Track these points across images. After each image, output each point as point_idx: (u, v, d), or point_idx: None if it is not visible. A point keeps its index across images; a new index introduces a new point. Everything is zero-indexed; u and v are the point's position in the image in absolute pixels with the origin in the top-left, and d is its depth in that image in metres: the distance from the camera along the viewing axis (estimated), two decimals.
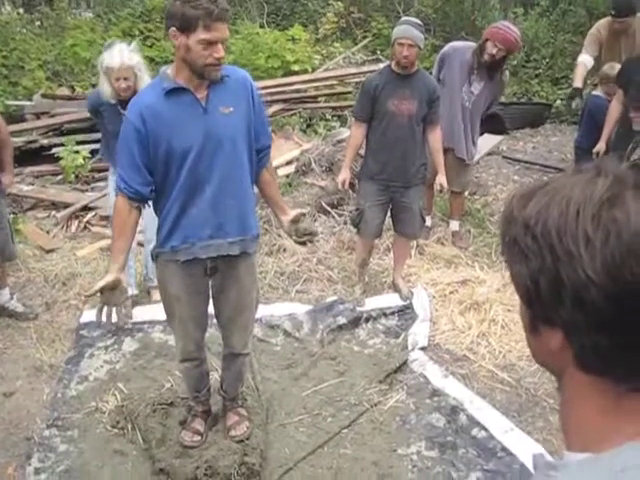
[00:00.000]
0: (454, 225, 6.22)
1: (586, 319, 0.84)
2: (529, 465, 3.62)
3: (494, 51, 5.38)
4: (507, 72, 5.88)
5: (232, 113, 2.98)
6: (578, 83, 6.66)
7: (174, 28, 2.76)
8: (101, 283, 2.98)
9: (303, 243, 3.65)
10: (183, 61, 2.85)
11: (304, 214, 3.46)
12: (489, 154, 8.26)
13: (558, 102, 10.29)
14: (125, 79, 4.52)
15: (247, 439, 3.67)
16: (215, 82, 2.93)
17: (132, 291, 5.05)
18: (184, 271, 3.19)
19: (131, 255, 4.77)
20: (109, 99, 4.63)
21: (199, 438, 3.70)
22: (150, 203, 3.16)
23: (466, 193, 7.01)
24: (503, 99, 10.19)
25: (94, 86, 8.85)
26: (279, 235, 6.11)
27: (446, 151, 5.31)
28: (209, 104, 2.94)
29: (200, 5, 2.67)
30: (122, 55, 4.49)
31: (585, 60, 6.70)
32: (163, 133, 2.91)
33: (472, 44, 5.82)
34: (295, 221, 3.37)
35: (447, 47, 5.88)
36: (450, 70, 5.66)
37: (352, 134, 5.08)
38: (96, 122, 5.23)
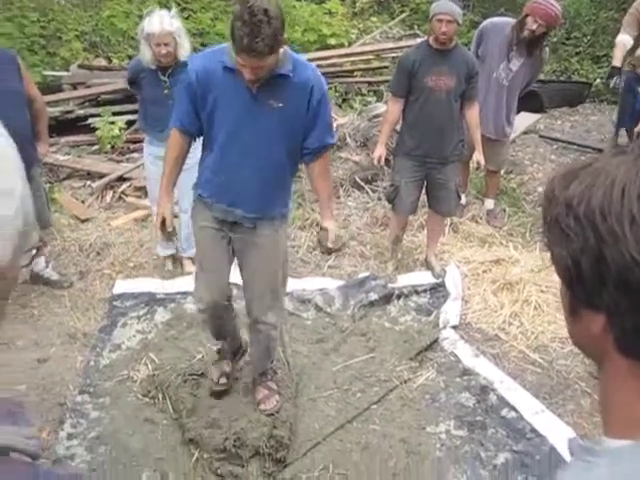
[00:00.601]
0: (489, 204, 6.16)
1: (630, 302, 0.82)
2: (559, 447, 3.60)
3: (534, 27, 5.27)
4: (547, 49, 5.75)
5: (281, 108, 3.05)
6: (617, 62, 6.50)
7: (230, 28, 2.86)
8: (161, 217, 3.32)
9: (326, 253, 3.63)
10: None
11: (336, 236, 3.45)
12: (526, 133, 8.13)
13: (598, 81, 10.10)
14: (165, 45, 4.53)
15: (277, 412, 3.69)
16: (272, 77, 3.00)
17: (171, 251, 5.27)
18: (211, 213, 3.34)
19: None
20: (149, 65, 4.66)
21: (226, 381, 3.82)
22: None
23: (502, 172, 6.93)
24: (542, 77, 10.04)
25: (130, 57, 8.88)
26: (312, 209, 6.09)
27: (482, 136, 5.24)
28: (260, 94, 3.03)
29: (239, 32, 2.75)
30: (162, 21, 4.51)
31: (624, 40, 6.51)
32: (209, 98, 3.09)
33: (511, 20, 5.70)
34: (324, 233, 3.41)
35: (486, 23, 5.77)
36: (488, 46, 5.56)
37: (388, 109, 5.04)
38: (134, 92, 5.24)
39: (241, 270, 3.48)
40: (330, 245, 3.38)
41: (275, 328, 3.59)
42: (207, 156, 3.30)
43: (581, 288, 0.87)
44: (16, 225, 0.77)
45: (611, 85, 6.71)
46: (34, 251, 4.87)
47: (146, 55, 4.65)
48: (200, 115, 3.18)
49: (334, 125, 3.38)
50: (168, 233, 3.44)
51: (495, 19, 5.91)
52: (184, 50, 4.64)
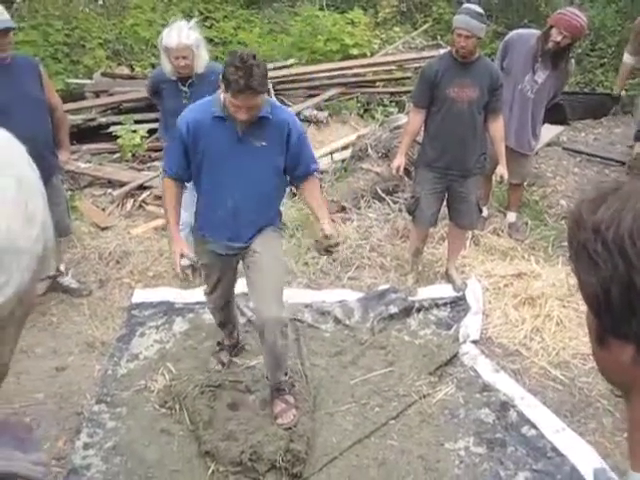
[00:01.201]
0: (511, 217, 6.09)
1: None
2: (580, 467, 3.54)
3: (559, 38, 5.21)
4: (572, 61, 5.68)
5: (264, 147, 3.46)
6: (616, 89, 6.93)
7: (221, 77, 3.25)
8: (181, 256, 3.63)
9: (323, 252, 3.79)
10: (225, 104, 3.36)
11: (326, 236, 3.61)
12: (549, 145, 8.05)
13: (623, 93, 10.00)
14: (183, 57, 4.57)
15: (294, 426, 3.66)
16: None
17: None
18: (213, 248, 3.74)
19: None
20: (170, 76, 4.71)
21: (220, 367, 4.22)
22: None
23: (524, 184, 6.88)
24: (566, 88, 9.97)
25: (153, 66, 8.93)
26: (333, 220, 6.05)
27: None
28: (245, 136, 3.44)
29: (234, 76, 3.14)
30: (180, 34, 4.54)
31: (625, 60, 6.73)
32: (200, 145, 3.47)
33: (536, 31, 5.64)
34: (322, 237, 3.62)
35: (511, 34, 5.72)
36: (513, 58, 5.50)
37: (410, 120, 5.00)
38: (155, 102, 5.27)
39: (250, 275, 3.71)
40: (325, 244, 3.59)
41: (285, 334, 3.66)
42: (201, 198, 3.71)
43: (610, 317, 0.83)
44: (36, 251, 0.76)
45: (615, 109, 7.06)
46: (50, 280, 4.92)
47: (166, 66, 4.71)
48: (191, 162, 3.56)
49: (315, 155, 3.83)
50: (190, 268, 3.83)
51: (520, 30, 5.86)
52: (201, 61, 4.68)
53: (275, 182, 3.64)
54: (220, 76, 3.25)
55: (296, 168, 3.62)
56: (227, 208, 3.57)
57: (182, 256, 3.63)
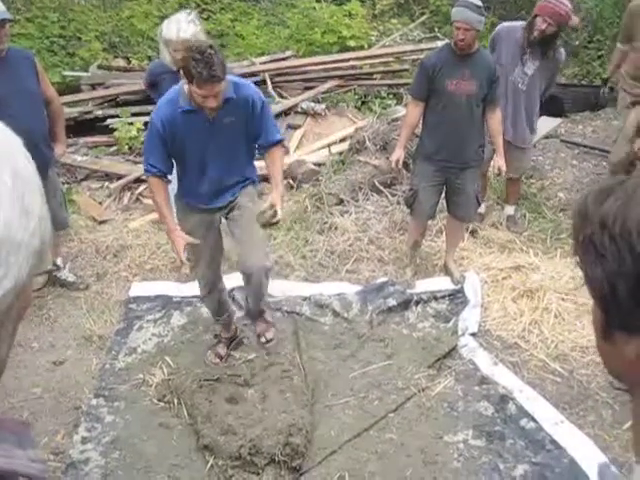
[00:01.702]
0: (509, 210, 6.08)
1: None
2: (579, 460, 3.54)
3: (544, 26, 5.17)
4: (562, 49, 5.60)
5: (233, 122, 3.67)
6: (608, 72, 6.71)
7: (183, 73, 3.41)
8: (182, 246, 3.69)
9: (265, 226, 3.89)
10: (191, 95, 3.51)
11: (271, 208, 3.72)
12: (547, 137, 8.04)
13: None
14: (183, 50, 4.53)
15: (291, 418, 3.64)
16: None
17: None
18: (195, 211, 3.94)
19: None
20: (172, 67, 4.69)
21: (218, 360, 4.26)
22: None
23: (522, 177, 6.87)
24: (563, 80, 9.95)
25: (150, 58, 8.90)
26: (330, 213, 6.06)
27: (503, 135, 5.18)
28: (215, 119, 3.63)
29: (196, 68, 3.28)
30: (179, 28, 4.52)
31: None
32: (177, 139, 3.65)
33: (523, 23, 5.60)
34: (267, 207, 3.75)
35: (498, 28, 5.67)
36: (502, 52, 5.45)
37: (408, 113, 4.98)
38: (152, 95, 5.24)
39: (234, 230, 4.01)
40: (268, 215, 3.72)
41: (267, 275, 4.04)
42: (185, 178, 3.92)
43: (616, 310, 0.83)
44: (33, 245, 0.75)
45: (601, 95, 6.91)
46: (47, 275, 4.91)
47: (166, 57, 4.70)
48: (171, 154, 3.76)
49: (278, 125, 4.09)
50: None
51: (507, 23, 5.79)
52: None
53: (247, 148, 3.93)
54: (181, 71, 3.40)
55: (260, 136, 3.83)
56: (211, 181, 3.85)
57: (185, 247, 3.69)
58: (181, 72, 3.40)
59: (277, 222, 3.76)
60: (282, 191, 3.93)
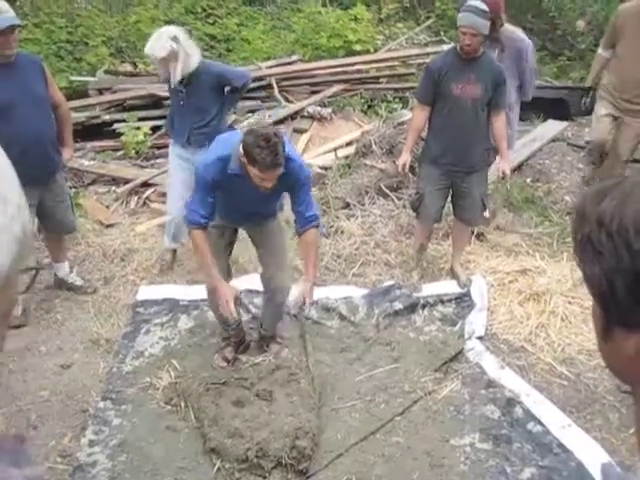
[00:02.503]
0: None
1: None
2: (586, 463, 3.53)
3: None
4: (530, 42, 5.38)
5: (276, 188, 3.67)
6: (589, 81, 6.37)
7: (243, 152, 3.45)
8: (231, 297, 3.79)
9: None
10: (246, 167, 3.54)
11: (301, 298, 3.88)
12: (553, 140, 8.03)
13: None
14: (164, 67, 4.68)
15: (298, 421, 3.64)
16: None
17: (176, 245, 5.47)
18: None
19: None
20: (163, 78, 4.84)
21: (225, 364, 4.28)
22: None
23: (528, 180, 6.87)
24: (569, 84, 9.94)
25: None
26: (337, 217, 6.07)
27: None
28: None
29: (260, 155, 3.35)
30: (154, 47, 4.63)
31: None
32: (223, 191, 3.75)
33: None
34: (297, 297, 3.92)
35: None
36: None
37: (414, 117, 4.99)
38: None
39: (260, 250, 4.20)
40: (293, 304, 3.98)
41: (287, 293, 4.17)
42: (218, 209, 3.91)
43: (615, 307, 0.84)
44: (14, 232, 0.75)
45: (583, 105, 6.54)
46: (33, 272, 4.93)
47: (159, 71, 4.86)
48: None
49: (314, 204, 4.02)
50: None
51: None
52: (192, 62, 4.72)
53: (279, 202, 4.13)
54: (241, 150, 3.45)
55: (297, 211, 3.88)
56: (245, 214, 4.03)
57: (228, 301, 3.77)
58: (241, 152, 3.46)
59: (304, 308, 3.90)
60: (314, 278, 3.98)
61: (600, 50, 6.08)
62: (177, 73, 4.69)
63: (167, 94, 5.43)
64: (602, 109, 6.02)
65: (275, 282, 4.11)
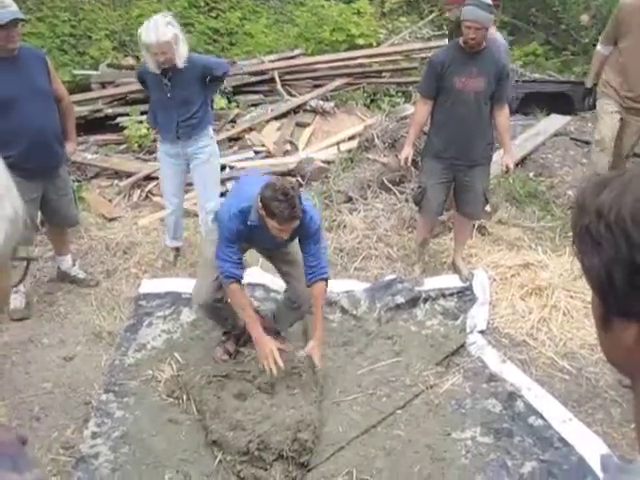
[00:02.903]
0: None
1: None
2: (587, 457, 3.54)
3: (448, 14, 5.23)
4: (499, 35, 5.40)
5: (290, 239, 3.82)
6: (589, 82, 6.04)
7: (261, 205, 3.53)
8: (276, 352, 3.82)
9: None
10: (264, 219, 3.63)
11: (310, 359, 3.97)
12: (556, 135, 8.03)
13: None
14: (163, 53, 4.61)
15: (300, 414, 3.65)
16: None
17: (178, 243, 5.50)
18: None
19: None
20: (155, 70, 4.77)
21: (227, 357, 4.27)
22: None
23: (531, 174, 6.86)
24: (572, 78, 9.93)
25: None
26: (339, 211, 6.07)
27: None
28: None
29: (279, 208, 3.45)
30: (157, 31, 4.57)
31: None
32: (247, 241, 3.92)
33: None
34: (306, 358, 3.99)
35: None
36: None
37: (417, 111, 4.98)
38: (146, 92, 5.40)
39: (281, 266, 4.23)
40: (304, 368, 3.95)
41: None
42: None
43: (613, 297, 0.85)
44: (5, 211, 0.76)
45: (585, 105, 6.31)
46: (24, 269, 4.91)
47: (148, 62, 4.77)
48: None
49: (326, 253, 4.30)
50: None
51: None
52: (181, 55, 4.71)
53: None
54: (259, 203, 3.54)
55: (307, 259, 3.94)
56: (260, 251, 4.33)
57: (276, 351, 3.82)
58: (259, 205, 3.54)
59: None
60: (322, 337, 4.05)
61: (599, 47, 5.78)
62: (181, 55, 4.68)
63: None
64: (609, 106, 5.73)
65: (304, 295, 4.14)
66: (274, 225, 3.55)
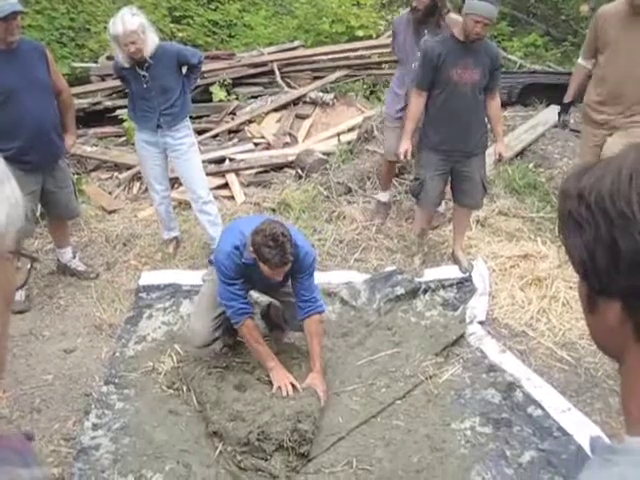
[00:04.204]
0: (383, 196, 6.02)
1: None
2: (586, 447, 3.55)
3: (415, 3, 5.16)
4: (452, 15, 5.34)
5: (286, 278, 3.82)
6: (567, 97, 5.29)
7: (252, 250, 3.55)
8: (289, 382, 3.82)
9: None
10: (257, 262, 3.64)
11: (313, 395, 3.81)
12: (555, 126, 8.01)
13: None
14: (132, 43, 4.63)
15: (299, 405, 3.67)
16: None
17: (175, 233, 5.52)
18: None
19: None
20: (124, 64, 4.81)
21: (227, 348, 4.27)
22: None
23: (531, 165, 6.85)
24: (572, 69, 9.89)
25: None
26: (339, 202, 6.07)
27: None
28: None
29: (270, 254, 3.48)
30: (124, 21, 4.60)
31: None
32: (245, 278, 3.84)
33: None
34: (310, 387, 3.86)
35: (394, 19, 5.71)
36: (400, 41, 5.43)
37: (412, 103, 4.92)
38: (125, 87, 5.47)
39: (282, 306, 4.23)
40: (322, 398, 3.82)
41: None
42: None
43: (596, 277, 0.87)
44: (5, 194, 0.77)
45: (560, 123, 5.55)
46: (28, 265, 4.91)
47: (119, 56, 4.81)
48: None
49: (319, 291, 4.11)
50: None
51: (403, 11, 5.70)
52: (151, 44, 4.74)
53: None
54: (250, 247, 3.57)
55: (299, 293, 3.92)
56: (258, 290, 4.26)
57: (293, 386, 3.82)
58: (251, 248, 3.57)
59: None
60: (322, 369, 3.98)
61: (580, 60, 5.08)
62: (149, 45, 4.72)
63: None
64: (588, 140, 5.06)
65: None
66: (266, 269, 3.59)
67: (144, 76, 4.83)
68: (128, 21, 4.59)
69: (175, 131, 5.01)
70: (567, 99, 5.28)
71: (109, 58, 8.97)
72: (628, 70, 4.65)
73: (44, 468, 0.81)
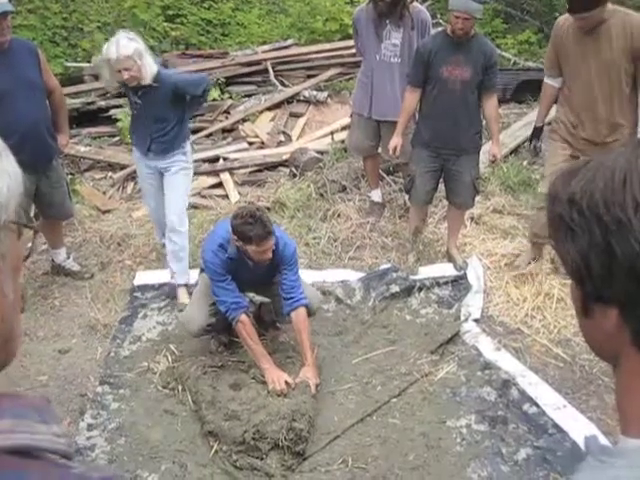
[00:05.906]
0: (376, 195, 6.07)
1: None
2: (581, 444, 3.55)
3: None
4: (424, 16, 5.33)
5: (269, 266, 3.95)
6: (539, 121, 4.99)
7: (235, 237, 3.70)
8: (283, 382, 3.85)
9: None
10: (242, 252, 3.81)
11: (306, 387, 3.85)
12: (550, 123, 8.01)
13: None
14: (126, 69, 4.35)
15: (295, 404, 3.67)
16: None
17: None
18: None
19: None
20: (109, 87, 4.79)
21: (222, 348, 4.29)
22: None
23: (525, 162, 6.85)
24: None
25: (152, 48, 8.88)
26: (333, 200, 6.07)
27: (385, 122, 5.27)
28: (256, 266, 3.93)
29: (252, 231, 3.62)
30: (119, 46, 4.32)
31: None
32: (232, 275, 3.94)
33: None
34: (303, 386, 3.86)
35: (356, 11, 5.61)
36: (363, 34, 5.39)
37: (405, 99, 4.95)
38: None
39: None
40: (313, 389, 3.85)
41: None
42: None
43: (591, 283, 0.85)
44: (3, 165, 0.79)
45: (532, 150, 5.22)
46: (29, 244, 4.90)
47: (105, 77, 4.59)
48: None
49: (302, 288, 4.10)
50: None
51: (362, 5, 5.60)
52: (148, 71, 4.43)
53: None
54: (233, 235, 3.71)
55: (283, 287, 4.00)
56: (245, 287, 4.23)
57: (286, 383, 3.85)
58: (234, 237, 3.70)
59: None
60: (314, 360, 4.00)
61: (546, 78, 4.70)
62: (146, 72, 4.42)
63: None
64: (558, 155, 4.72)
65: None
66: (253, 249, 3.69)
67: (136, 102, 4.61)
68: (123, 46, 4.32)
69: (168, 157, 4.75)
70: (538, 123, 4.96)
71: None
72: (591, 91, 4.36)
73: (62, 426, 0.81)
